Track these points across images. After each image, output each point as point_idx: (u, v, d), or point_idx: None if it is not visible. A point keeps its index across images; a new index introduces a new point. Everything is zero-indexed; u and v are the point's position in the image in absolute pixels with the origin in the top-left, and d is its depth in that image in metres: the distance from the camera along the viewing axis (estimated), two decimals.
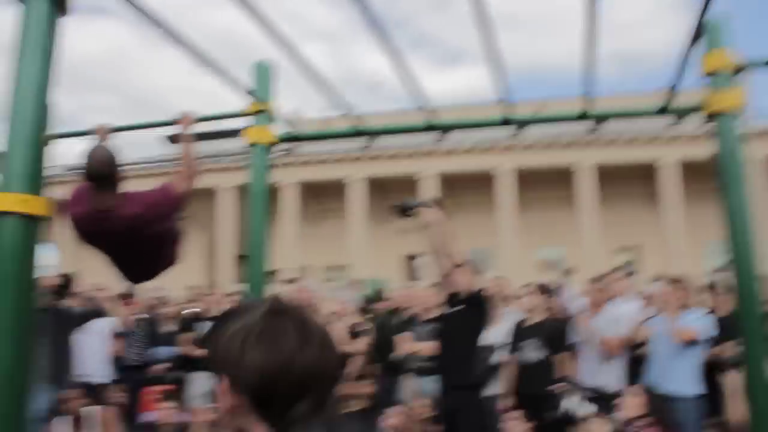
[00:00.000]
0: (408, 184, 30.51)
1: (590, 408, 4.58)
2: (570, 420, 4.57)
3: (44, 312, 4.32)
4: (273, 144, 3.54)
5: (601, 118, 3.51)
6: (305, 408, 1.01)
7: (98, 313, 6.30)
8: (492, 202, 29.74)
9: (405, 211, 4.22)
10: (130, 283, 3.60)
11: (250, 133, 3.50)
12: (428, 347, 6.08)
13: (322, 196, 34.36)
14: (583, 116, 3.46)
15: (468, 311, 4.46)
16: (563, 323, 5.86)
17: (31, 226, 2.00)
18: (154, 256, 3.35)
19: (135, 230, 3.16)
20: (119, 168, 3.26)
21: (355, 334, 6.66)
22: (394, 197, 29.93)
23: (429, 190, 29.36)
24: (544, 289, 5.88)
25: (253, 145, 3.50)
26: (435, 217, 4.21)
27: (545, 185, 29.96)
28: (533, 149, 28.53)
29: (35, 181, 2.03)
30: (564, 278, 6.87)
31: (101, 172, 3.17)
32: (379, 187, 32.68)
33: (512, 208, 28.72)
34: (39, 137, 2.07)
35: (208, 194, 32.90)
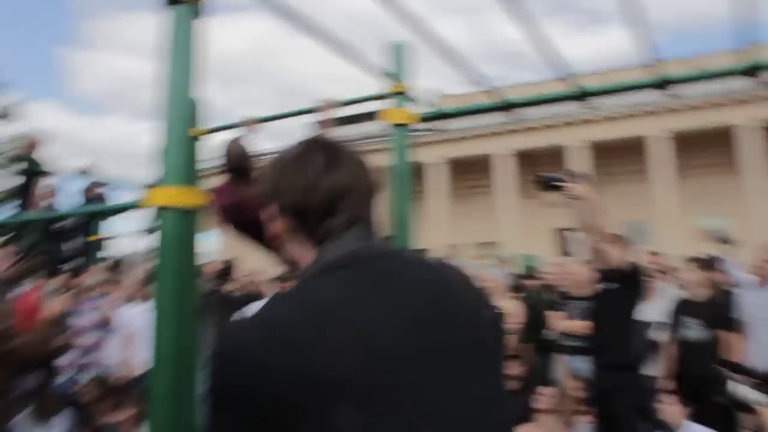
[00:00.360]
0: (556, 155, 29.62)
1: (761, 395, 4.19)
2: (737, 407, 4.21)
3: (208, 296, 4.61)
4: (413, 124, 3.52)
5: None
6: (339, 221, 1.13)
7: (257, 296, 6.63)
8: (646, 170, 28.15)
9: (548, 184, 4.01)
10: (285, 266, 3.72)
11: (389, 114, 3.50)
12: (581, 325, 5.89)
13: (469, 173, 34.16)
14: (752, 69, 3.08)
15: (622, 288, 4.24)
16: (728, 300, 5.45)
17: (189, 218, 2.12)
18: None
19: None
20: (252, 159, 3.42)
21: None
22: (542, 170, 29.30)
23: (578, 160, 28.34)
24: (706, 263, 5.48)
25: (392, 126, 3.50)
26: (582, 191, 3.97)
27: (704, 150, 27.91)
28: (689, 111, 26.61)
29: (190, 175, 2.14)
30: (728, 250, 6.38)
31: (236, 165, 3.34)
32: (526, 160, 31.98)
33: (668, 175, 26.98)
34: (190, 132, 2.17)
35: None
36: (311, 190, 1.13)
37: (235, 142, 3.59)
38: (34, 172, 8.62)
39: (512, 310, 6.71)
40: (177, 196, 2.09)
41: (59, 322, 6.33)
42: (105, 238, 8.94)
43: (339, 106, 3.77)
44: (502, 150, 30.88)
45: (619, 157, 30.19)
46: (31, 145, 8.81)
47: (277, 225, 1.18)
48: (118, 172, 27.34)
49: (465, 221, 32.67)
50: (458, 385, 1.02)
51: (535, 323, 6.78)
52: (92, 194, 8.71)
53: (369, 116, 36.78)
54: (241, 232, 3.52)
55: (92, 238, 8.70)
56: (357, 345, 0.95)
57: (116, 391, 5.76)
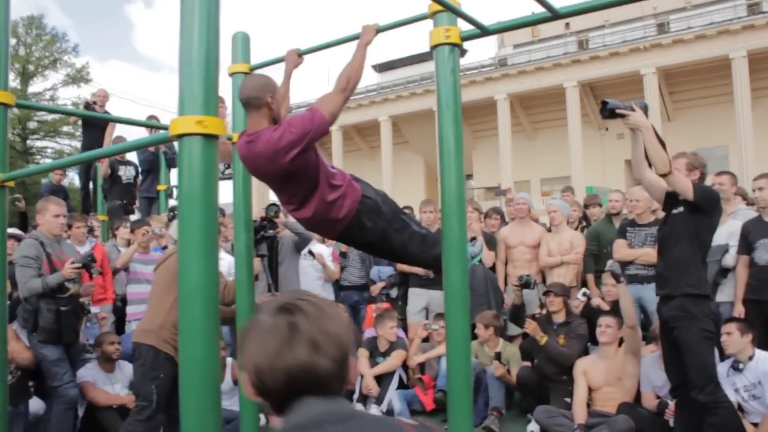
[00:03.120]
0: (627, 84, 28.52)
1: None
2: None
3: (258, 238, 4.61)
4: (458, 44, 3.32)
5: None
6: (299, 397, 1.11)
7: (308, 238, 6.58)
8: (725, 93, 26.76)
9: (612, 111, 3.91)
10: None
11: (431, 35, 3.30)
12: (647, 253, 5.65)
13: (535, 107, 33.39)
14: None
15: (688, 213, 4.02)
16: None
17: (210, 145, 2.04)
18: (300, 188, 3.29)
19: (276, 155, 3.12)
20: (270, 94, 3.26)
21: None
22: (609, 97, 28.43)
23: (650, 88, 27.19)
24: None
25: (435, 47, 3.30)
26: (640, 120, 3.89)
27: None
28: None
29: (209, 104, 2.05)
30: None
31: (248, 96, 3.20)
32: (596, 91, 30.98)
33: (748, 98, 25.54)
34: (211, 61, 2.08)
35: (424, 116, 33.39)
36: (268, 369, 1.11)
37: (255, 75, 3.47)
38: (102, 126, 8.82)
39: (576, 241, 6.51)
40: (197, 123, 2.01)
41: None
42: (171, 188, 9.12)
43: (378, 32, 3.59)
44: (569, 81, 29.84)
45: (695, 81, 28.83)
46: (103, 98, 8.98)
47: (247, 390, 1.18)
48: None
49: (535, 156, 32.06)
50: None
51: (599, 252, 6.58)
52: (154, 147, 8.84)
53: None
54: (254, 173, 3.42)
55: (160, 187, 8.88)
56: None
57: None
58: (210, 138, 2.04)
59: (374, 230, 3.51)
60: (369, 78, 39.83)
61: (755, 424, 4.29)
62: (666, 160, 3.91)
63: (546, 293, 5.81)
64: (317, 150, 3.35)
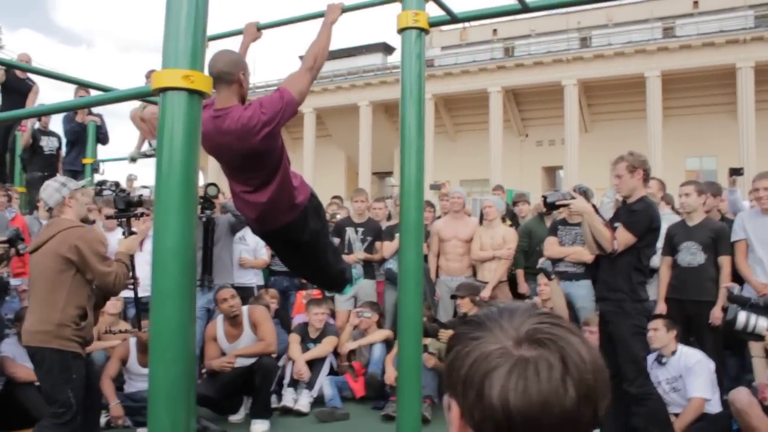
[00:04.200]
0: (549, 93, 29.42)
1: (763, 321, 4.14)
2: (739, 332, 4.19)
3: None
4: (425, 29, 3.33)
5: None
6: None
7: (244, 222, 6.48)
8: (639, 110, 28.02)
9: (552, 205, 4.31)
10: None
11: (399, 18, 3.30)
12: (577, 251, 5.85)
13: (458, 109, 33.91)
14: None
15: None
16: (725, 224, 5.42)
17: (195, 101, 1.97)
18: (262, 171, 3.24)
19: (246, 134, 3.07)
20: (242, 71, 3.20)
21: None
22: (533, 107, 29.01)
23: (571, 99, 28.14)
24: (703, 189, 5.42)
25: (402, 30, 3.31)
26: (581, 207, 4.23)
27: (700, 89, 27.85)
28: (689, 48, 26.34)
29: (196, 57, 1.99)
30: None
31: (220, 70, 3.12)
32: (519, 97, 31.82)
33: (659, 115, 26.86)
34: (199, 15, 2.01)
35: (349, 111, 33.35)
36: (534, 418, 0.82)
37: (226, 50, 3.40)
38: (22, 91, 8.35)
39: (508, 237, 6.66)
40: (183, 77, 1.94)
41: None
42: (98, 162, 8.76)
43: (344, 11, 3.57)
44: (493, 86, 30.42)
45: (613, 95, 30.04)
46: (27, 63, 8.50)
47: (453, 430, 0.90)
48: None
49: (454, 158, 32.56)
50: None
51: (529, 250, 6.76)
52: (82, 118, 8.46)
53: (371, 49, 36.18)
54: (213, 152, 3.33)
55: (86, 161, 8.49)
56: None
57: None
58: (196, 94, 1.97)
59: (313, 230, 3.51)
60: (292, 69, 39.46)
61: (676, 415, 4.52)
62: (609, 238, 4.17)
63: (453, 297, 5.95)
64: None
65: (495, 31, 33.81)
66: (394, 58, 34.86)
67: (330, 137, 37.09)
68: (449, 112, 34.26)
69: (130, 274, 4.12)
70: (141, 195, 4.80)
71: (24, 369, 4.84)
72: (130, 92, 2.64)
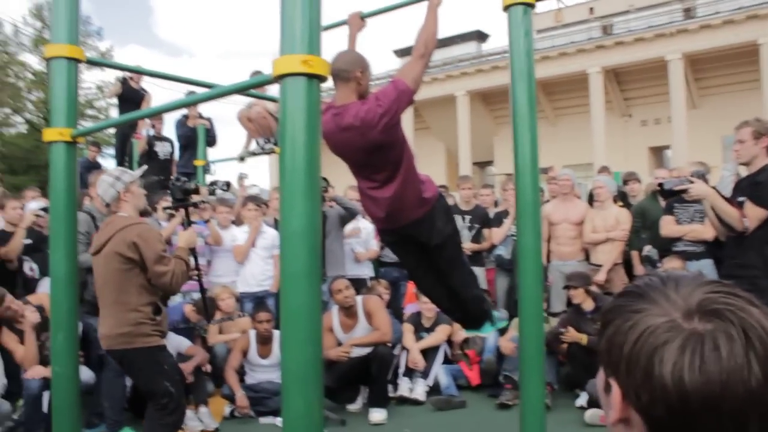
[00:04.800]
0: (652, 70, 28.16)
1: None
2: None
3: None
4: (531, 4, 3.23)
5: None
6: None
7: (356, 212, 6.54)
8: (752, 80, 26.34)
9: (670, 191, 4.29)
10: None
11: None
12: (695, 229, 5.56)
13: (558, 93, 33.08)
14: None
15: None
16: None
17: (314, 86, 1.98)
18: (387, 164, 3.26)
19: (366, 128, 3.11)
20: (360, 69, 3.24)
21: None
22: (636, 85, 27.79)
23: (676, 74, 26.83)
24: None
25: (508, 8, 3.21)
26: (702, 191, 4.19)
27: None
28: None
29: (314, 43, 1.99)
30: None
31: (338, 68, 3.18)
32: (620, 77, 30.68)
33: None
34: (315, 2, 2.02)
35: (446, 102, 33.21)
36: (718, 397, 0.73)
37: (348, 51, 3.47)
38: (135, 100, 8.82)
39: (621, 218, 6.42)
40: (302, 62, 1.95)
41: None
42: (209, 163, 9.13)
43: None
44: (592, 67, 29.42)
45: (720, 68, 28.38)
46: (138, 75, 8.96)
47: (614, 413, 0.80)
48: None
49: (555, 143, 31.77)
50: None
51: (644, 229, 6.50)
52: (193, 123, 8.84)
53: (466, 37, 35.94)
54: (337, 150, 3.38)
55: (198, 162, 8.85)
56: None
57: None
58: (315, 79, 1.98)
59: (442, 233, 3.46)
60: (388, 63, 39.66)
61: None
62: (738, 217, 4.02)
63: (566, 287, 5.75)
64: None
65: (591, 9, 32.71)
66: (489, 46, 34.39)
67: (428, 129, 37.05)
68: (548, 96, 33.43)
69: (192, 266, 4.06)
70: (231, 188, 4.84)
71: None
72: (252, 82, 2.71)
